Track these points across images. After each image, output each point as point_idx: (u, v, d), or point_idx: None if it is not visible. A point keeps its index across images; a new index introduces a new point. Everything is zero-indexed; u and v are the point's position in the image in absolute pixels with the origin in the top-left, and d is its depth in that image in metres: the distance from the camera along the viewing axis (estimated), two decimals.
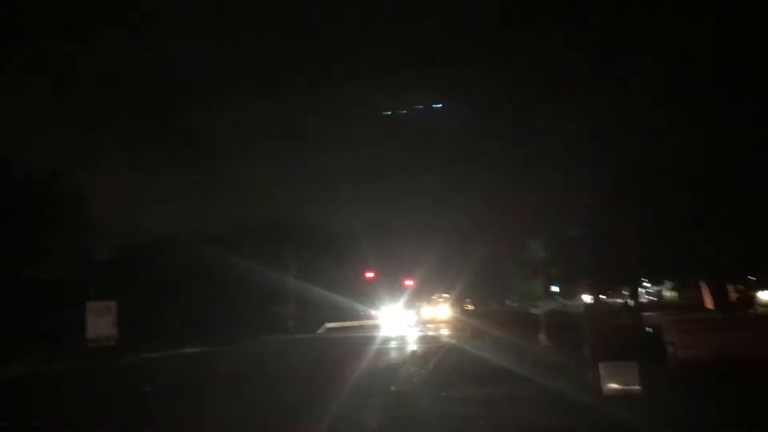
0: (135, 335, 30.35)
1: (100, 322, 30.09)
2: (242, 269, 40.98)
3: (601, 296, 46.17)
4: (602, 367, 11.82)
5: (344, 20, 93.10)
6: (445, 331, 36.57)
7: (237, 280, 41.09)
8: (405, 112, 46.30)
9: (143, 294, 34.72)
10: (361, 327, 46.95)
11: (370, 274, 53.02)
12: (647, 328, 20.07)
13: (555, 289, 33.06)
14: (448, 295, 60.80)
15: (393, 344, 29.50)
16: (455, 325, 42.67)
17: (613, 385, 11.61)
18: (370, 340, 32.40)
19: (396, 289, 53.57)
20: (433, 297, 60.16)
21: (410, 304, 54.39)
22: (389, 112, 49.97)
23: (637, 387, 11.53)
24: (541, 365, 15.79)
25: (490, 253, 50.42)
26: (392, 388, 13.57)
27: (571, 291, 41.19)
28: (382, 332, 38.96)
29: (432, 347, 23.88)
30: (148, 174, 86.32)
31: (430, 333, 36.07)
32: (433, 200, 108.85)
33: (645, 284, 63.15)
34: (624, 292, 42.65)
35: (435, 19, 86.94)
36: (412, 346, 25.22)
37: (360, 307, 51.58)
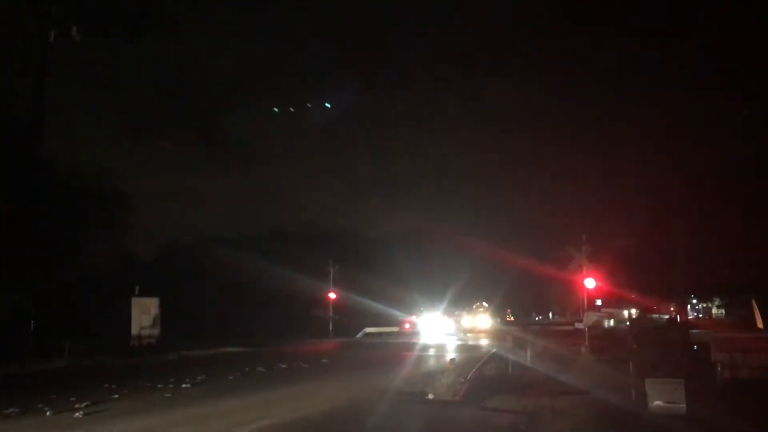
0: (175, 334, 30.70)
1: (144, 318, 30.51)
2: (282, 272, 41.25)
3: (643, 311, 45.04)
4: (648, 383, 11.46)
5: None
6: (485, 341, 36.14)
7: (276, 282, 41.36)
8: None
9: (184, 294, 35.10)
10: (399, 333, 46.77)
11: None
12: (695, 346, 19.46)
13: (598, 302, 32.39)
14: (487, 305, 60.31)
15: (432, 351, 29.25)
16: (496, 335, 42.20)
17: (659, 402, 11.24)
18: (409, 346, 32.19)
19: (435, 298, 53.35)
20: (473, 306, 59.75)
21: (449, 313, 54.07)
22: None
23: (684, 405, 11.14)
24: (585, 379, 15.42)
25: (532, 263, 49.69)
26: (430, 396, 13.36)
27: (615, 304, 40.34)
28: (421, 339, 38.71)
29: (472, 356, 23.56)
30: (190, 176, 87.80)
31: (470, 342, 35.68)
32: (474, 208, 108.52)
33: (692, 300, 61.62)
34: (671, 308, 41.59)
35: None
36: (451, 354, 24.92)
37: (398, 314, 51.50)
